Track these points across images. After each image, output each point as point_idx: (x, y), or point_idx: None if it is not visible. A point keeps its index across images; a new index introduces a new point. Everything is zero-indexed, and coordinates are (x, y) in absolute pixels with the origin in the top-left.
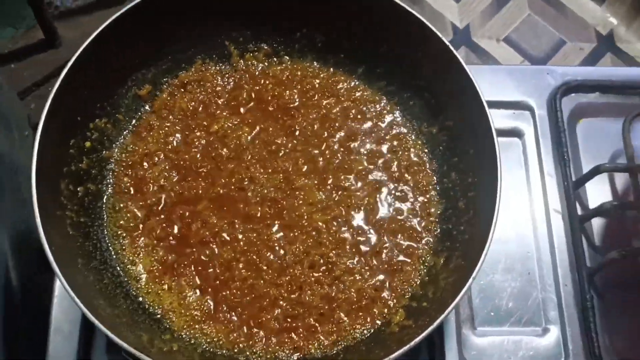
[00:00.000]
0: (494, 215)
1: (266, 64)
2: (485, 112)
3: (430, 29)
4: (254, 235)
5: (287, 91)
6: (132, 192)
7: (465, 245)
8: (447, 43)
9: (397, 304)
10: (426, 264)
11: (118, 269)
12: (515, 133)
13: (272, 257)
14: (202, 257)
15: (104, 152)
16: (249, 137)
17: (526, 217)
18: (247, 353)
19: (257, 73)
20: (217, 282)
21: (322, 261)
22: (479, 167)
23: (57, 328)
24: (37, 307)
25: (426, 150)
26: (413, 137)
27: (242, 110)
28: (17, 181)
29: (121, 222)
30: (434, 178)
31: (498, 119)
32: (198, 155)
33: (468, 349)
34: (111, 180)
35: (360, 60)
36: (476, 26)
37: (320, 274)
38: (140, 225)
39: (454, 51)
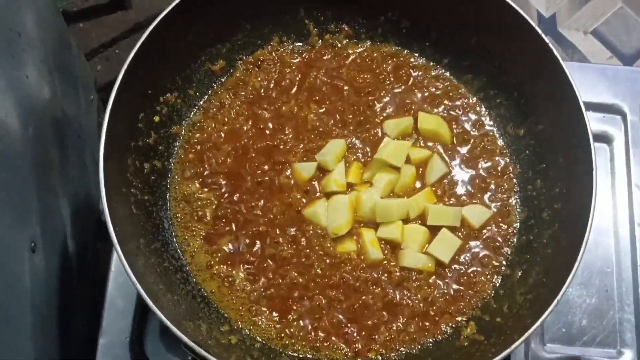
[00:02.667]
0: (584, 234)
1: (344, 44)
2: (583, 118)
3: (529, 24)
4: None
5: (362, 74)
6: (197, 171)
7: (548, 261)
8: (546, 40)
9: (467, 316)
10: (501, 276)
11: (179, 252)
12: (603, 138)
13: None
14: (264, 247)
15: (172, 128)
16: (317, 117)
17: (608, 230)
18: (308, 354)
19: (334, 54)
20: (276, 275)
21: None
22: (569, 178)
23: (112, 303)
24: (93, 277)
25: (509, 153)
26: (496, 138)
27: (314, 91)
28: (81, 146)
29: (184, 203)
30: (516, 184)
31: None
32: (266, 136)
33: None
34: (177, 159)
35: (446, 50)
36: (563, 16)
37: (385, 277)
38: (204, 208)
39: (553, 50)
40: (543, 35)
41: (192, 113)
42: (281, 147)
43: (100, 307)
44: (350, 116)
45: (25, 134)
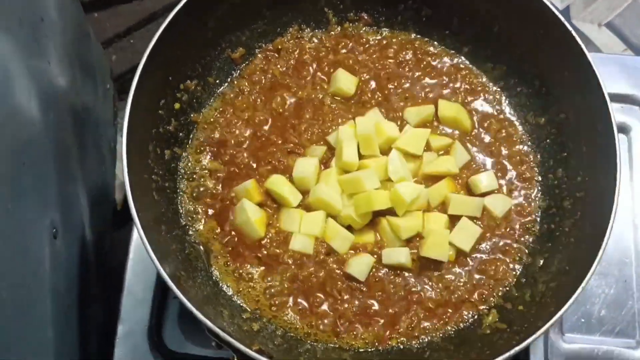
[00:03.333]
0: (608, 224)
1: (362, 32)
2: (607, 107)
3: (553, 13)
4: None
5: (382, 61)
6: (215, 158)
7: (570, 250)
8: (570, 28)
9: (489, 304)
10: (522, 264)
11: (199, 240)
12: (621, 128)
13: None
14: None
15: (192, 115)
16: (335, 104)
17: (627, 220)
18: (330, 342)
19: (353, 41)
20: (294, 267)
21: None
22: (592, 167)
23: (130, 291)
24: (110, 265)
25: (530, 142)
26: (517, 126)
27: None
28: (98, 136)
29: (199, 190)
30: (537, 172)
31: None
32: (285, 123)
33: (554, 355)
34: (196, 146)
35: (467, 39)
36: (578, 8)
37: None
38: (216, 193)
39: (577, 39)
40: (567, 24)
41: (212, 100)
42: (300, 134)
43: (118, 295)
44: (371, 103)
45: (46, 121)
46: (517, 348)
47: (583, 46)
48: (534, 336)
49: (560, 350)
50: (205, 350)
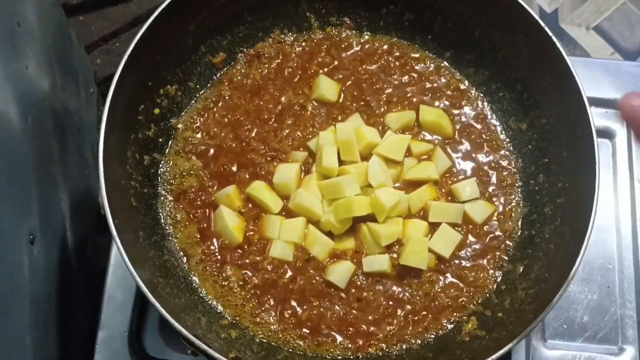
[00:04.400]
0: (587, 229)
1: (345, 36)
2: (586, 112)
3: (533, 18)
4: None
5: (364, 66)
6: (195, 164)
7: (550, 256)
8: (550, 34)
9: (468, 311)
10: (503, 270)
11: (177, 246)
12: (605, 133)
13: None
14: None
15: (172, 120)
16: (316, 110)
17: (610, 226)
18: (308, 350)
19: (335, 45)
20: (273, 274)
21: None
22: (572, 172)
23: (111, 297)
24: (93, 270)
25: (511, 147)
26: (498, 131)
27: (313, 81)
28: (81, 140)
29: (179, 196)
30: (519, 178)
31: None
32: (265, 128)
33: None
34: (176, 151)
35: (449, 44)
36: (566, 11)
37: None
38: (199, 200)
39: (557, 44)
40: (547, 30)
41: (192, 105)
42: (281, 139)
43: (99, 301)
44: (352, 108)
45: (24, 125)
46: (495, 355)
47: (563, 51)
48: (511, 343)
49: (542, 356)
50: (185, 357)
